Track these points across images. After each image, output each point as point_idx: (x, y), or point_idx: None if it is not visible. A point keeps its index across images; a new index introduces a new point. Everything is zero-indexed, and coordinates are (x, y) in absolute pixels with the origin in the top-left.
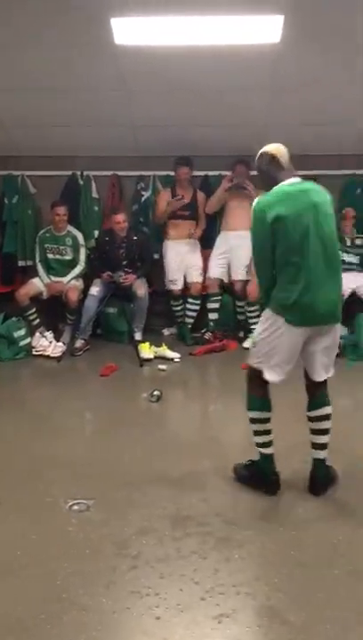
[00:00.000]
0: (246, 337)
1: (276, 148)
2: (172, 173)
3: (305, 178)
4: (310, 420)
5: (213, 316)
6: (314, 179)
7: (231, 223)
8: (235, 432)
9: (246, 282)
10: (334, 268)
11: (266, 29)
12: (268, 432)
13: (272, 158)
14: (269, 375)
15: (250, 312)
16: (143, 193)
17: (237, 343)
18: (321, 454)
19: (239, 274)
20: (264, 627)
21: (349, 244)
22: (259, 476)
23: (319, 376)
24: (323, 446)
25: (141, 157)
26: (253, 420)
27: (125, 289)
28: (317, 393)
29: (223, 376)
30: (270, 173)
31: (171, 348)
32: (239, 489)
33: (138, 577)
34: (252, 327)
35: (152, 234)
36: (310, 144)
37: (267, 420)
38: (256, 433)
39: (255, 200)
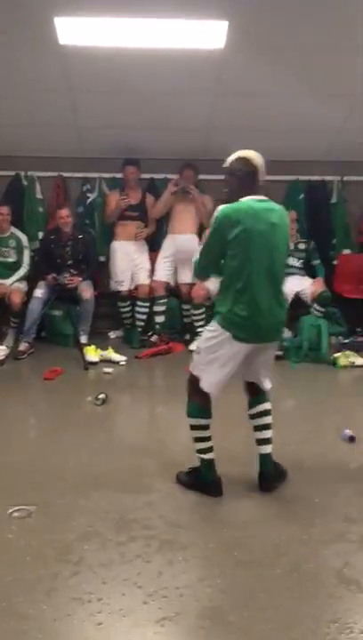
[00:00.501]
0: (192, 340)
1: (258, 161)
2: (118, 175)
3: None
4: (252, 417)
5: (159, 318)
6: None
7: (178, 227)
8: (180, 435)
9: (192, 285)
10: (280, 289)
11: (211, 34)
12: (208, 438)
13: (253, 172)
14: (206, 385)
15: (196, 315)
16: (89, 195)
17: (184, 346)
18: (267, 449)
19: (186, 277)
20: (206, 628)
21: (292, 247)
22: (201, 482)
23: (266, 384)
24: (267, 441)
25: (86, 159)
26: (193, 427)
27: (70, 291)
28: (255, 392)
29: (169, 379)
30: (243, 183)
31: (117, 350)
32: (185, 491)
33: (80, 583)
34: (198, 330)
35: (99, 236)
36: (254, 149)
37: (207, 427)
38: (196, 439)
39: (221, 207)
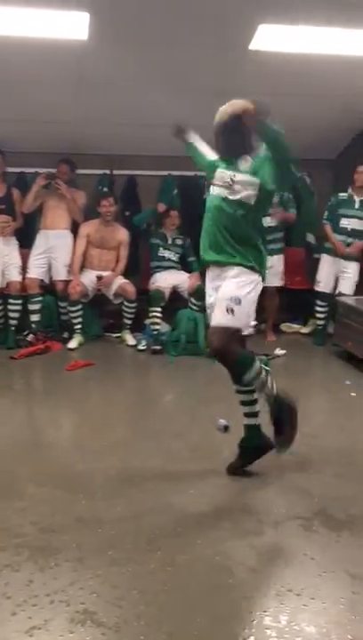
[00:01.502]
0: (70, 338)
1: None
2: None
3: (128, 177)
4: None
5: (34, 317)
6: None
7: (50, 222)
8: (58, 436)
9: (67, 282)
10: None
11: (74, 26)
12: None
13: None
14: (246, 328)
15: (73, 312)
16: None
17: (61, 345)
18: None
19: (61, 274)
20: (77, 632)
21: (170, 242)
22: (256, 448)
23: None
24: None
25: None
26: (256, 377)
27: None
28: None
29: (47, 379)
30: (249, 131)
31: None
32: (58, 495)
33: None
34: (76, 328)
35: None
36: (128, 144)
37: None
38: (264, 385)
39: None
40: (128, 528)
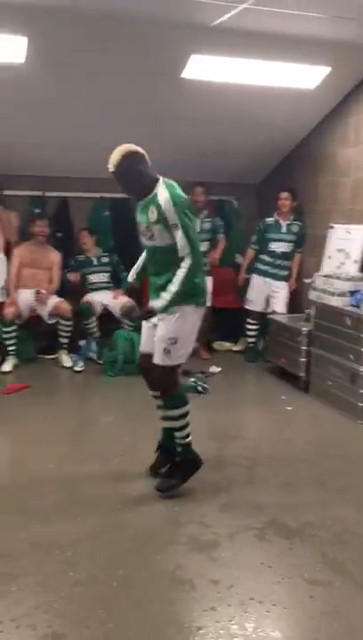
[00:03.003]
0: (3, 360)
1: (137, 149)
2: None
3: (60, 199)
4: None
5: None
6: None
7: None
8: (0, 461)
9: (1, 304)
10: None
11: (11, 49)
12: (188, 423)
13: (143, 156)
14: (184, 360)
15: (6, 333)
16: None
17: None
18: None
19: None
20: None
21: (96, 262)
22: (188, 465)
23: None
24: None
25: None
26: (178, 417)
27: None
28: None
29: None
30: (145, 170)
31: None
32: (10, 519)
33: None
34: (10, 350)
35: None
36: (60, 166)
37: (188, 413)
38: (181, 428)
39: (168, 187)
40: (85, 549)
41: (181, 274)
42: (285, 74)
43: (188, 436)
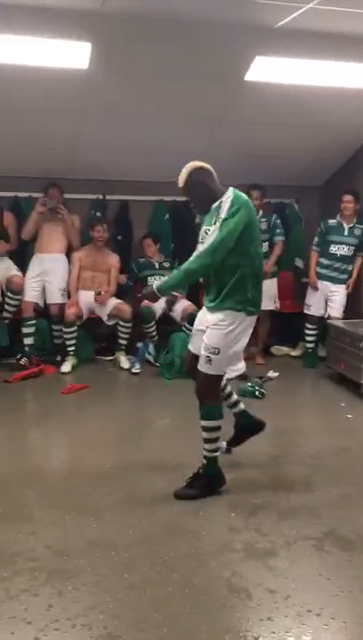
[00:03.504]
0: (63, 361)
1: (204, 165)
2: None
3: (121, 202)
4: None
5: (28, 340)
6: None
7: (45, 246)
8: (59, 460)
9: (61, 305)
10: None
11: (75, 55)
12: (219, 437)
13: (209, 172)
14: (227, 369)
15: (67, 334)
16: None
17: (55, 368)
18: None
19: (55, 297)
20: None
21: (157, 266)
22: (211, 480)
23: None
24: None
25: None
26: (209, 429)
27: None
28: None
29: (42, 402)
30: (212, 185)
31: None
32: (68, 518)
33: None
34: (69, 350)
35: None
36: (121, 170)
37: (220, 427)
38: (210, 440)
39: (234, 192)
40: (141, 551)
41: (187, 265)
42: (350, 73)
43: (216, 450)
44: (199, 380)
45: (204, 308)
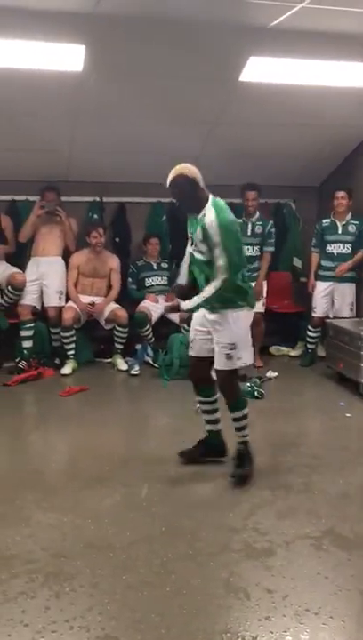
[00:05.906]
0: (62, 364)
1: (190, 170)
2: None
3: (118, 204)
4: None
5: (26, 343)
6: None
7: (42, 249)
8: (58, 462)
9: (59, 308)
10: None
11: (69, 58)
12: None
13: (195, 176)
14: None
15: (66, 337)
16: None
17: (54, 370)
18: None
19: (52, 300)
20: None
21: (155, 268)
22: (251, 456)
23: None
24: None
25: None
26: (240, 419)
27: None
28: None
29: (41, 405)
30: (197, 189)
31: None
32: (66, 520)
33: None
34: (69, 353)
35: None
36: (118, 171)
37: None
38: (242, 428)
39: (217, 204)
40: (139, 552)
41: (212, 289)
42: (345, 73)
43: (247, 435)
44: (223, 381)
45: (201, 309)
